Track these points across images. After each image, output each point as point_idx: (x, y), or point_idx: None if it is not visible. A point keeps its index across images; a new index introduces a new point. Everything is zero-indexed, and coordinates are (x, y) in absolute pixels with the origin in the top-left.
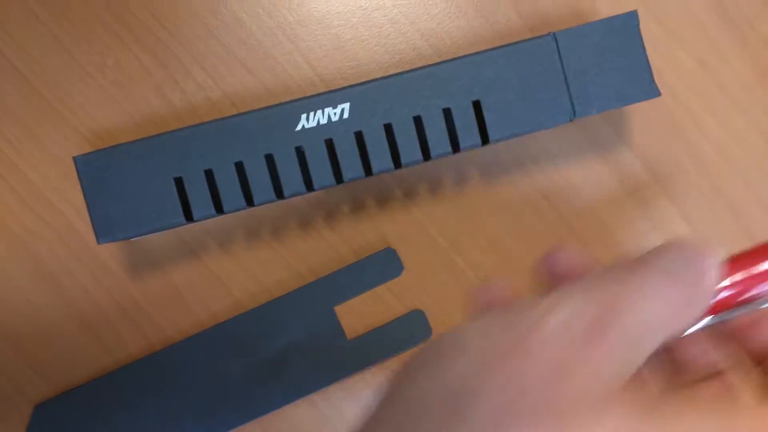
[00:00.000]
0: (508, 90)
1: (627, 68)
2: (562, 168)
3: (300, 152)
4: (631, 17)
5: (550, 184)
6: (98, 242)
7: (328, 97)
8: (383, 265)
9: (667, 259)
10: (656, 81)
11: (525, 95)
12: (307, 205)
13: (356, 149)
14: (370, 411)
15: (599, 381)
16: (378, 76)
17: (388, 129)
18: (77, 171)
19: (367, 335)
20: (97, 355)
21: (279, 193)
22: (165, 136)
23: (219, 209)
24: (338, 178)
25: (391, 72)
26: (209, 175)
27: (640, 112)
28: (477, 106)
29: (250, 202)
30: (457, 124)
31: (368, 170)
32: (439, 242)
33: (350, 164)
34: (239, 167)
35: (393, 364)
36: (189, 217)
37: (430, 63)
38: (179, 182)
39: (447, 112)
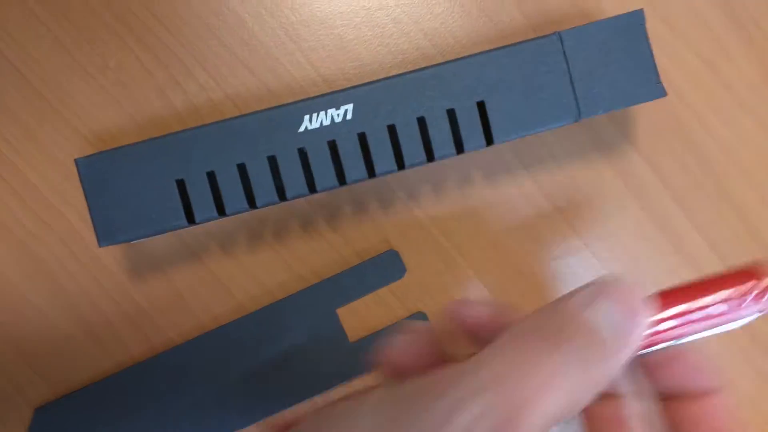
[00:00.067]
0: (513, 90)
1: (633, 68)
2: (566, 169)
3: (303, 154)
4: (638, 16)
5: (554, 185)
6: (100, 245)
7: (331, 98)
8: (386, 267)
9: (587, 330)
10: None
11: (530, 95)
12: (309, 206)
13: (359, 151)
14: None
15: None
16: (381, 76)
17: (392, 130)
18: (79, 173)
19: (370, 338)
20: (99, 358)
21: (281, 195)
22: (167, 138)
23: (221, 211)
24: (341, 179)
25: (394, 72)
26: (211, 177)
27: (645, 112)
28: (481, 106)
29: (252, 204)
30: (461, 125)
31: (371, 172)
32: (442, 244)
33: (353, 166)
34: (241, 169)
35: None
36: (191, 219)
37: (434, 63)
38: (181, 184)
39: (451, 113)
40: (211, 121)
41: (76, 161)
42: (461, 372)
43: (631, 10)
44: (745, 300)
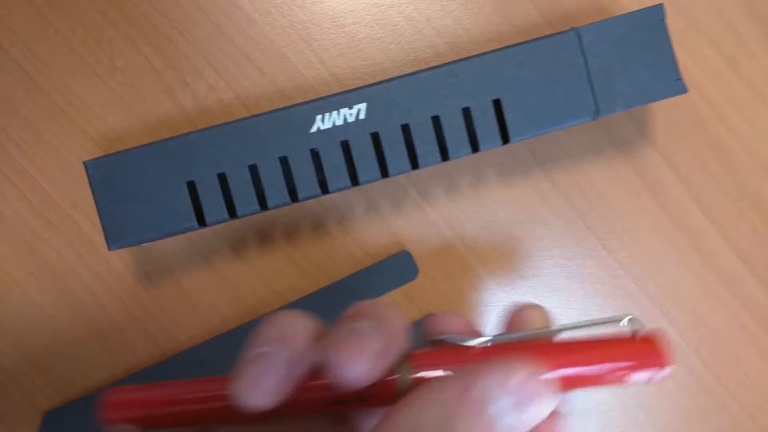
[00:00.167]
0: (529, 88)
1: (652, 64)
2: (583, 167)
3: (315, 154)
4: (657, 11)
5: (570, 184)
6: (109, 248)
7: (344, 98)
8: (398, 268)
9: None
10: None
11: (546, 93)
12: (320, 207)
13: (373, 151)
14: None
15: None
16: (394, 75)
17: (406, 130)
18: (88, 176)
19: None
20: (107, 363)
21: (293, 197)
22: (177, 139)
23: (232, 213)
24: (354, 180)
25: (407, 71)
26: (222, 178)
27: (663, 109)
28: (497, 105)
29: (263, 205)
30: (477, 124)
31: (385, 172)
32: (455, 245)
33: (366, 166)
34: (253, 170)
35: None
36: (202, 221)
37: (447, 61)
38: (192, 186)
39: (466, 112)
40: (222, 122)
41: (84, 164)
42: None
43: (649, 5)
44: (628, 376)
